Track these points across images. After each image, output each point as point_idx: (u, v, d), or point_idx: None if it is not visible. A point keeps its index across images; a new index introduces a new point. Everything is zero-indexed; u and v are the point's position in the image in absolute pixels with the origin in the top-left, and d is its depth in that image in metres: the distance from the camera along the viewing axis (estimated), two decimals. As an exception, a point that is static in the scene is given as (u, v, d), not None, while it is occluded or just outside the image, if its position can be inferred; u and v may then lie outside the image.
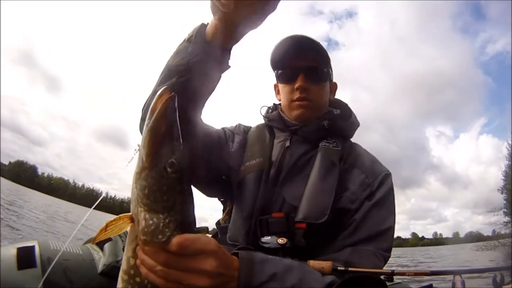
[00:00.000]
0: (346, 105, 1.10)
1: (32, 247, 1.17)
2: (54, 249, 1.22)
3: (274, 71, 1.07)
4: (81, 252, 1.29)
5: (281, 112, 1.05)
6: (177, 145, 0.55)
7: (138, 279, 0.56)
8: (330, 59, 1.04)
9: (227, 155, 1.03)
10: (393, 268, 0.80)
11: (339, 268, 0.73)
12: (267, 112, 1.11)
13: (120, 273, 0.59)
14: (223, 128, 1.09)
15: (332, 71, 1.07)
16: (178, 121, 0.57)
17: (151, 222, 0.53)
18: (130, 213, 0.57)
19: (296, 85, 0.98)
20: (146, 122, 0.55)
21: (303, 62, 0.98)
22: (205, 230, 0.62)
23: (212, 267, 0.53)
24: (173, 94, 0.56)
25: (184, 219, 0.55)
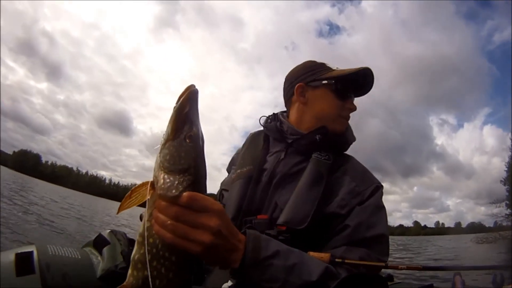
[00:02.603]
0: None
1: (31, 253, 1.16)
2: (53, 254, 1.21)
3: (330, 80, 1.08)
4: (79, 257, 1.28)
5: (283, 121, 1.11)
6: (195, 124, 0.68)
7: (151, 240, 0.63)
8: None
9: (221, 186, 1.18)
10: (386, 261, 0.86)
11: (336, 259, 0.79)
12: (266, 122, 1.15)
13: (137, 237, 0.66)
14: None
15: None
16: (198, 109, 0.69)
17: (168, 180, 0.63)
18: (151, 180, 0.66)
19: (351, 106, 1.10)
20: (174, 106, 0.68)
21: (363, 92, 1.13)
22: (213, 196, 0.65)
23: (216, 224, 0.59)
24: (196, 88, 0.68)
25: (196, 181, 0.64)
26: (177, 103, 0.68)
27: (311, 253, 0.81)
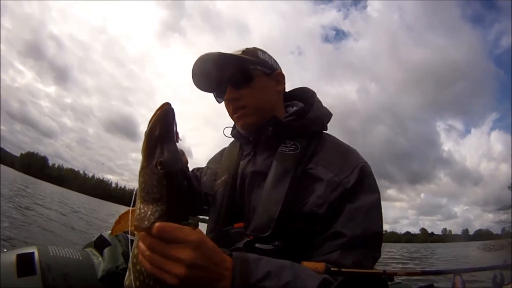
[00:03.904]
0: (310, 95, 1.05)
1: (32, 254, 1.16)
2: (54, 255, 1.21)
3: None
4: (80, 258, 1.28)
5: (238, 127, 1.07)
6: (167, 147, 0.64)
7: (138, 267, 0.64)
8: (257, 54, 1.00)
9: (202, 188, 1.16)
10: (384, 268, 0.80)
11: (332, 268, 0.73)
12: (232, 131, 1.11)
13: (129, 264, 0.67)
14: (202, 168, 1.25)
15: (266, 64, 1.01)
16: (173, 127, 0.66)
17: (143, 211, 0.62)
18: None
19: (227, 97, 0.99)
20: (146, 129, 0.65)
21: (223, 75, 0.97)
22: (193, 224, 0.62)
23: (188, 257, 0.56)
24: (169, 107, 0.66)
25: (169, 211, 0.62)
26: (148, 125, 0.65)
27: (305, 263, 0.76)
